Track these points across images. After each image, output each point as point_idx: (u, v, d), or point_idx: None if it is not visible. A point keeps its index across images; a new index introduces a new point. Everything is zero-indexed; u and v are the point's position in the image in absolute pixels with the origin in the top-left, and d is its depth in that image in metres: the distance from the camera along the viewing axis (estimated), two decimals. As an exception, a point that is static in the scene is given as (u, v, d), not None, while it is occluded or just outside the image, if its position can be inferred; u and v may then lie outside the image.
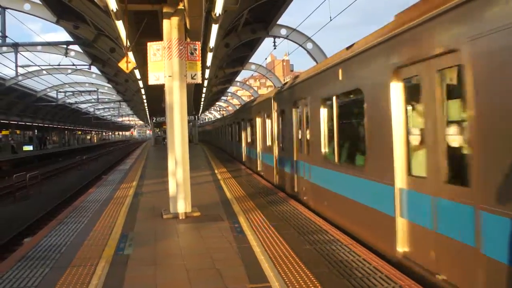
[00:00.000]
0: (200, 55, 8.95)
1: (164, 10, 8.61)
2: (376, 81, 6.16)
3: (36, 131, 60.45)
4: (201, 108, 50.51)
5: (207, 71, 19.59)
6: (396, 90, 5.66)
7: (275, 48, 24.39)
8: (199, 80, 9.07)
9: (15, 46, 22.35)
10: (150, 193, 12.17)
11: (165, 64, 8.68)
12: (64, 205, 16.26)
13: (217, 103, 69.19)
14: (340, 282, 4.85)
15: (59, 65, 27.91)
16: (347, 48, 7.44)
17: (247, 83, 64.55)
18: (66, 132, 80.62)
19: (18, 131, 58.14)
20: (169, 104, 8.79)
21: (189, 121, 30.17)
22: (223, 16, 9.03)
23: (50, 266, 5.83)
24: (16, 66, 23.91)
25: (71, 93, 49.18)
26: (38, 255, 6.35)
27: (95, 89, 47.73)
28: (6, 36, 19.12)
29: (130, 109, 75.11)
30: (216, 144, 42.48)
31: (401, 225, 5.53)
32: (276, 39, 24.00)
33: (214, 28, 10.71)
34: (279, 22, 22.20)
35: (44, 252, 6.48)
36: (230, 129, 28.54)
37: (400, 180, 5.58)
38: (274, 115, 13.59)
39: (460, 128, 4.53)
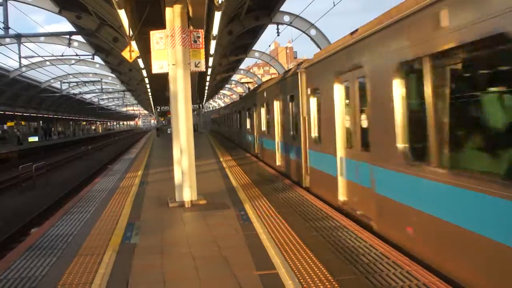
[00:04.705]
0: (203, 43, 8.87)
1: (167, -3, 8.53)
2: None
3: (41, 122, 60.67)
4: (205, 96, 50.43)
5: (211, 59, 19.49)
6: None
7: (278, 35, 24.22)
8: (202, 68, 9.01)
9: (18, 37, 22.30)
10: (155, 182, 12.20)
11: (168, 52, 8.63)
12: (68, 197, 16.33)
13: (221, 91, 68.99)
14: (347, 268, 4.85)
15: (62, 55, 27.85)
16: (351, 34, 7.43)
17: (251, 70, 64.31)
18: (71, 122, 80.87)
19: (23, 122, 58.36)
20: (173, 93, 8.75)
21: (193, 110, 30.17)
22: (225, 3, 8.96)
23: (57, 255, 5.87)
24: (20, 57, 23.83)
25: (75, 84, 49.17)
26: (46, 244, 6.40)
27: (99, 79, 47.69)
28: (9, 27, 19.08)
29: (134, 98, 75.18)
30: (221, 133, 42.39)
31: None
32: (280, 26, 23.80)
33: (217, 15, 10.64)
34: (282, 8, 22.00)
35: (51, 242, 6.52)
36: (234, 117, 28.53)
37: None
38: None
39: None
